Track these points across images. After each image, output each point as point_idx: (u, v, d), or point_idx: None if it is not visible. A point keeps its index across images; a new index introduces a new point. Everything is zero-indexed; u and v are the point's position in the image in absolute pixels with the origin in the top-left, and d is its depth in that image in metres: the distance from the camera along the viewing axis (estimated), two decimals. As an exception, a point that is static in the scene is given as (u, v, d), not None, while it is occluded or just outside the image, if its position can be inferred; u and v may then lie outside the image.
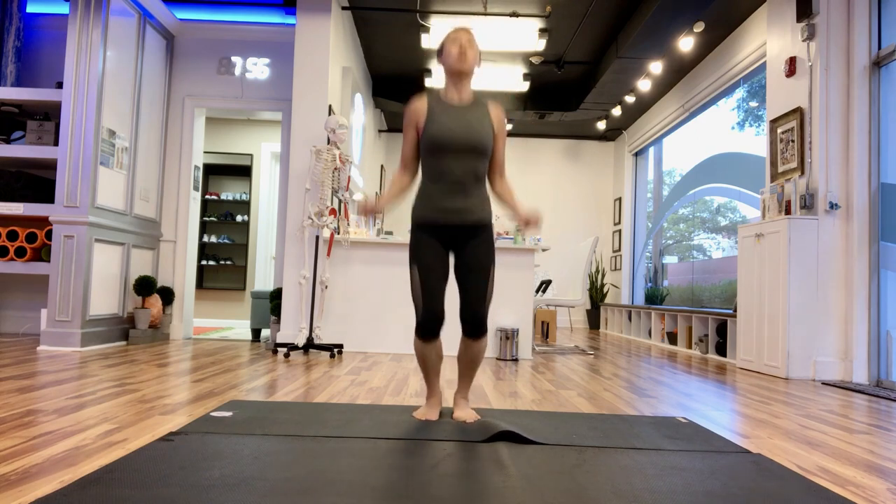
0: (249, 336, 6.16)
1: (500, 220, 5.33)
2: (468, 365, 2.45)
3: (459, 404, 2.48)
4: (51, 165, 5.16)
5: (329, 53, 5.23)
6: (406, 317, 5.02)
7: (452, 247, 2.41)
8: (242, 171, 7.92)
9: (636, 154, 9.52)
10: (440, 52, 2.46)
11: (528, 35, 6.48)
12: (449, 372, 3.94)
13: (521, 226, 2.36)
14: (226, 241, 7.72)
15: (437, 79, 7.75)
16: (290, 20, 5.82)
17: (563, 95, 8.17)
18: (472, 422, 2.37)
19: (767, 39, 5.03)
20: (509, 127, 9.33)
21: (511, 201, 2.46)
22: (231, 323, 7.72)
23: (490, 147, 2.39)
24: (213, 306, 7.75)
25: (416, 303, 2.37)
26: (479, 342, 2.40)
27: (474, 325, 2.37)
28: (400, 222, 10.05)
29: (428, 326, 2.35)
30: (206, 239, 7.68)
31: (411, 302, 5.01)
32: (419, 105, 2.42)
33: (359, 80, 6.82)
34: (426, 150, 2.37)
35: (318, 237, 4.81)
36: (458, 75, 2.41)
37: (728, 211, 7.25)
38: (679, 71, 7.20)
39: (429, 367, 2.44)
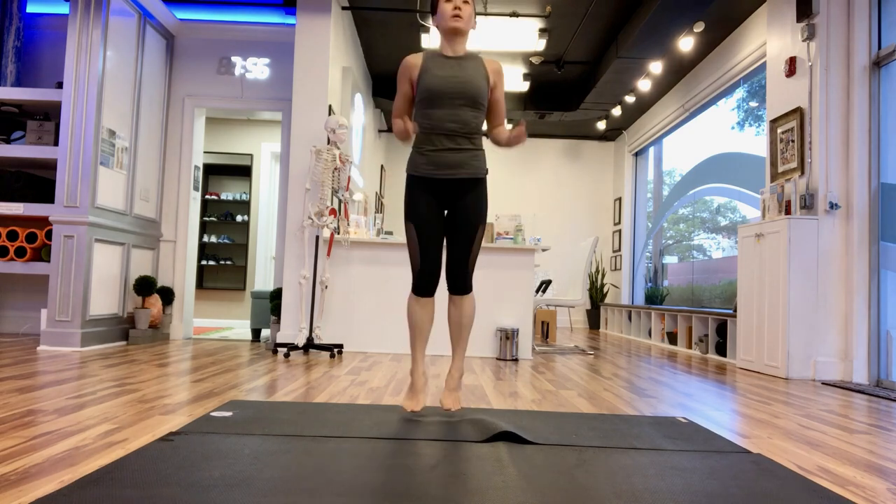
0: (249, 336, 6.16)
1: (500, 220, 5.33)
2: (457, 327, 2.48)
3: (447, 387, 2.49)
4: (51, 165, 5.16)
5: (329, 53, 5.23)
6: (405, 316, 5.01)
7: (446, 202, 2.43)
8: (242, 171, 7.92)
9: (636, 154, 9.52)
10: (434, 10, 2.43)
11: (528, 35, 6.48)
12: (446, 372, 3.94)
13: (512, 138, 2.38)
14: (226, 241, 7.72)
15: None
16: (290, 20, 5.82)
17: (563, 95, 8.17)
18: (455, 410, 2.40)
19: (767, 39, 5.03)
20: (509, 126, 9.32)
21: (503, 136, 2.47)
22: (231, 323, 7.71)
23: (485, 98, 2.40)
24: (213, 306, 7.75)
25: (413, 260, 2.42)
26: (464, 300, 2.45)
27: (457, 281, 2.43)
28: (400, 221, 10.05)
29: (423, 283, 2.41)
30: (206, 239, 7.68)
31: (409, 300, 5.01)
32: (413, 60, 2.42)
33: (359, 80, 6.82)
34: (420, 100, 2.38)
35: (318, 237, 4.81)
36: (452, 34, 2.39)
37: (728, 211, 7.25)
38: (679, 71, 7.20)
39: (417, 328, 2.46)
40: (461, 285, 2.44)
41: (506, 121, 2.59)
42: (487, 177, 2.51)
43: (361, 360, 4.43)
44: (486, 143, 10.01)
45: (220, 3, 5.71)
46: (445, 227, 2.45)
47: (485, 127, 2.52)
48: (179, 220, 5.79)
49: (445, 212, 2.46)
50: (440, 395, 3.05)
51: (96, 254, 4.74)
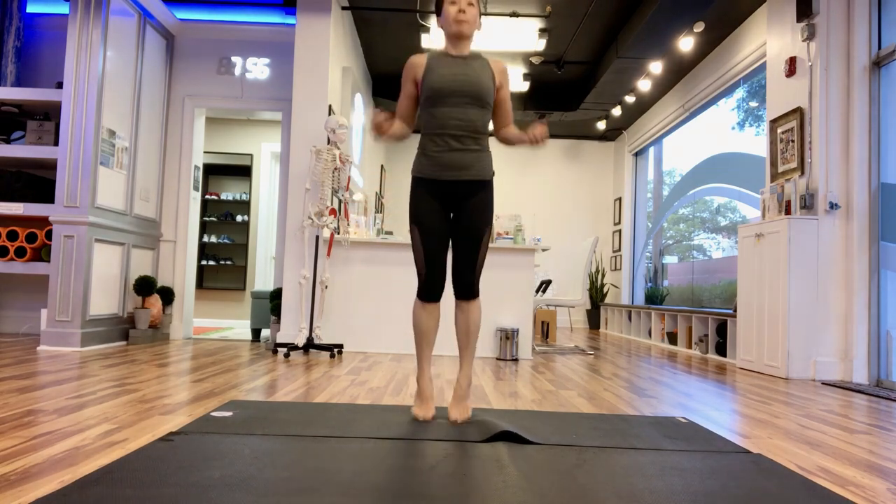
0: (249, 336, 6.15)
1: (500, 220, 5.33)
2: (464, 334, 2.43)
3: (456, 396, 2.42)
4: (51, 165, 5.16)
5: (329, 53, 5.23)
6: (406, 317, 5.01)
7: (451, 205, 2.40)
8: (242, 171, 7.92)
9: (636, 154, 9.52)
10: (438, 12, 2.40)
11: (528, 35, 6.48)
12: (448, 372, 3.94)
13: (532, 140, 2.32)
14: (226, 241, 7.72)
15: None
16: (290, 20, 5.82)
17: (563, 95, 8.17)
18: (463, 420, 2.33)
19: (767, 39, 5.03)
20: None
21: (517, 136, 2.42)
22: (231, 323, 7.71)
23: (490, 97, 2.37)
24: (213, 306, 7.75)
25: (418, 265, 2.39)
26: (470, 305, 2.41)
27: (463, 286, 2.39)
28: (400, 222, 10.05)
29: (429, 288, 2.37)
30: (206, 239, 7.67)
31: (411, 301, 5.01)
32: (418, 60, 2.40)
33: (359, 80, 6.82)
34: (425, 100, 2.35)
35: (318, 237, 4.81)
36: (457, 37, 2.36)
37: (728, 211, 7.25)
38: (679, 71, 7.20)
39: (422, 334, 2.42)
40: (467, 290, 2.39)
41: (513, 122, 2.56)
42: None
43: (361, 360, 4.43)
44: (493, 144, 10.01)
45: (220, 3, 5.71)
46: (451, 230, 2.41)
47: (491, 127, 2.50)
48: (179, 220, 5.79)
49: (451, 214, 2.43)
50: (447, 402, 3.05)
51: (96, 254, 4.74)
